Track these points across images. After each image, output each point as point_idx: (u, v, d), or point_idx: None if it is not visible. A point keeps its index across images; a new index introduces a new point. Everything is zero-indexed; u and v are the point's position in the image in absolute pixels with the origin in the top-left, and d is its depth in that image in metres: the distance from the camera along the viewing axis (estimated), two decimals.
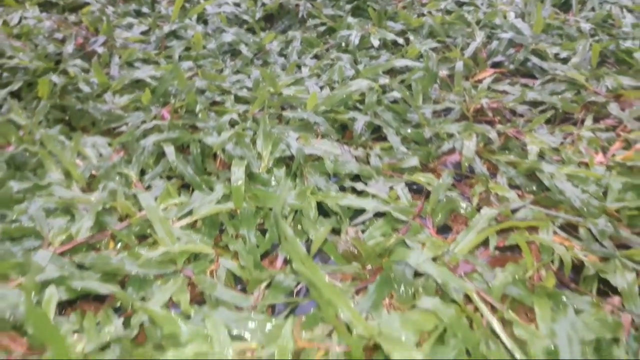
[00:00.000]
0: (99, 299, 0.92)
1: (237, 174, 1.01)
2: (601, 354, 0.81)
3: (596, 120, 1.37)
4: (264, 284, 0.91)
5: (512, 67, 1.65)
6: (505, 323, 0.83)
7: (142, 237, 1.01)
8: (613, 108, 1.38)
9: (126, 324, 0.85)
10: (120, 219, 1.03)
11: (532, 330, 0.81)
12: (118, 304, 0.90)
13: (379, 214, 1.03)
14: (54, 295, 0.85)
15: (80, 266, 0.92)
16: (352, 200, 1.03)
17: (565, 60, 1.64)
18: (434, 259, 0.90)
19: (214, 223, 1.03)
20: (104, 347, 0.81)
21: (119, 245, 1.00)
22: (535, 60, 1.62)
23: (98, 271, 0.91)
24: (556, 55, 1.65)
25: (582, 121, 1.37)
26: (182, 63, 1.59)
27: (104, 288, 0.88)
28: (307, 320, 0.83)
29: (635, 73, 1.58)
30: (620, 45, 1.66)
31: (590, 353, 0.80)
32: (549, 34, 1.80)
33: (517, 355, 0.78)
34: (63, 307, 0.91)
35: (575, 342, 0.78)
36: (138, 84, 1.48)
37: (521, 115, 1.38)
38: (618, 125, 1.35)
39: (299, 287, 0.92)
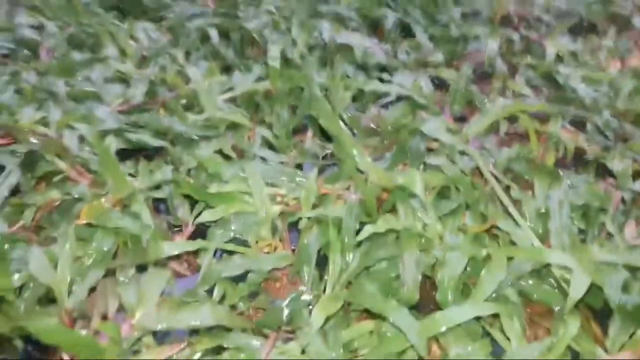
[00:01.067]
0: (150, 156, 1.05)
1: (274, 53, 1.11)
2: (589, 220, 0.92)
3: (619, 32, 1.42)
4: (294, 150, 1.04)
5: None
6: (505, 190, 0.94)
7: (188, 107, 1.13)
8: (637, 21, 1.42)
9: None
10: (170, 90, 1.16)
11: (527, 195, 0.92)
12: (168, 159, 1.03)
13: (400, 98, 1.13)
14: (112, 142, 0.99)
15: (135, 124, 1.05)
16: (377, 85, 1.13)
17: None
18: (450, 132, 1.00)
19: (251, 101, 1.15)
20: (157, 187, 0.95)
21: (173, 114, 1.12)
22: None
23: (150, 129, 1.04)
24: None
25: (605, 32, 1.42)
26: None
27: (156, 142, 1.01)
28: (330, 176, 0.96)
29: None
30: None
31: (578, 217, 0.92)
32: None
33: (513, 212, 0.89)
34: (120, 157, 1.05)
35: (565, 206, 0.89)
36: None
37: (547, 25, 1.44)
38: None
39: (325, 152, 1.04)
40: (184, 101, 1.12)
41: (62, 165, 0.94)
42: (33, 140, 0.95)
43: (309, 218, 0.88)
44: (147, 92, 1.12)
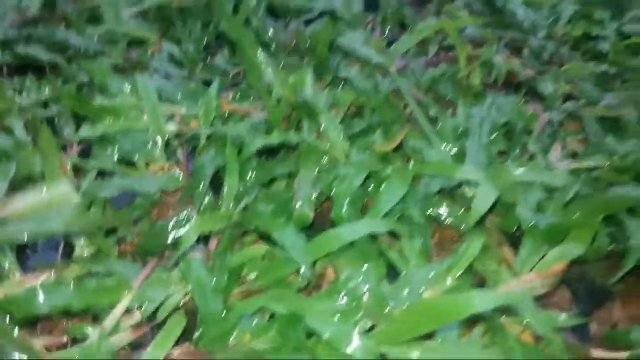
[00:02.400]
0: (44, 72, 0.95)
1: None
2: (512, 140, 0.85)
3: None
4: (200, 65, 0.95)
5: None
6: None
7: (91, 20, 1.03)
8: None
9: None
10: (73, 2, 1.05)
11: (447, 113, 0.85)
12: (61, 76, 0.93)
13: (325, 14, 1.04)
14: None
15: (28, 37, 0.95)
16: (300, 2, 1.04)
17: None
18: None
19: (164, 16, 1.05)
20: (44, 105, 0.86)
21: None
22: None
23: (44, 43, 0.94)
24: None
25: None
26: None
27: (47, 56, 0.92)
28: (238, 93, 0.87)
29: None
30: None
31: (500, 138, 0.85)
32: None
33: (430, 132, 0.82)
34: (9, 73, 0.95)
35: (486, 123, 0.82)
36: None
37: None
38: None
39: (236, 70, 0.96)
40: (86, 13, 1.02)
41: None
42: None
43: (208, 137, 0.80)
44: (46, 4, 1.02)
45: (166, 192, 0.77)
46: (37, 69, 0.93)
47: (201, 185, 0.74)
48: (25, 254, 0.70)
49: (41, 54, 0.91)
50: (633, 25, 1.11)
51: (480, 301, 0.57)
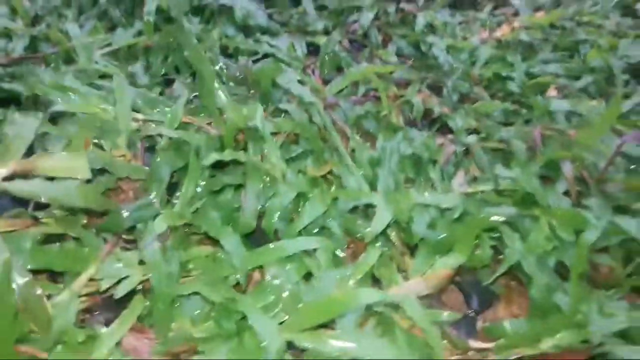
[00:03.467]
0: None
1: (149, 8, 1.18)
2: (419, 169, 1.02)
3: (497, 7, 1.53)
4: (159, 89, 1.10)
5: None
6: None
7: (68, 62, 1.18)
8: None
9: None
10: (52, 46, 1.21)
11: (362, 145, 1.01)
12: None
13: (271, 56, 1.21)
14: None
15: (12, 75, 1.10)
16: (249, 45, 1.20)
17: None
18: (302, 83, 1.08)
19: (132, 55, 1.21)
20: None
21: (51, 66, 1.18)
22: None
23: (26, 80, 1.09)
24: None
25: (484, 7, 1.53)
26: None
27: (27, 91, 1.07)
28: (192, 109, 1.03)
29: None
30: None
31: (409, 167, 1.01)
32: None
33: (349, 162, 0.98)
34: None
35: (395, 154, 0.99)
36: None
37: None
38: (516, 13, 1.51)
39: (191, 95, 1.10)
40: (64, 55, 1.18)
41: None
42: None
43: (170, 138, 0.94)
44: (30, 47, 1.17)
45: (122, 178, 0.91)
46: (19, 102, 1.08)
47: (160, 182, 0.88)
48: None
49: (23, 89, 1.06)
50: (541, 66, 1.29)
51: (366, 296, 0.74)
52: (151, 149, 0.96)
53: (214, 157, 0.89)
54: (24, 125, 0.85)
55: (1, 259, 0.65)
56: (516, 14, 1.49)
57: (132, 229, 0.83)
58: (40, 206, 0.80)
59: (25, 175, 0.76)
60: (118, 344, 0.70)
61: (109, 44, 1.20)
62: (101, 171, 0.87)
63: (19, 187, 0.74)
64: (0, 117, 1.03)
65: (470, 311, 0.88)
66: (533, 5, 1.51)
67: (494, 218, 0.87)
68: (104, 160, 0.86)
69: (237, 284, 0.80)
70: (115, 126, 0.93)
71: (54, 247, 0.76)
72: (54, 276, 0.78)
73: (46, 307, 0.67)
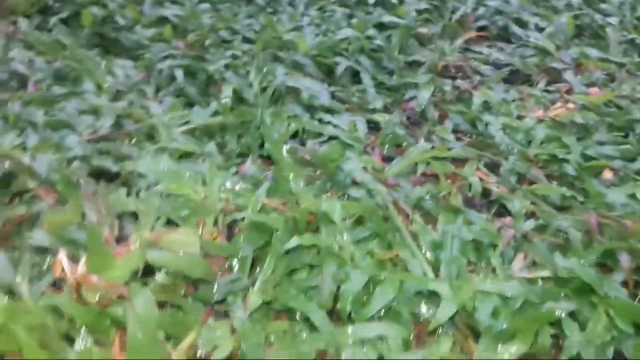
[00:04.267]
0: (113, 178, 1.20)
1: (226, 92, 1.28)
2: (480, 254, 1.06)
3: (550, 83, 1.58)
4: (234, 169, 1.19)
5: (495, 32, 1.84)
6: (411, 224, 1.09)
7: (149, 138, 1.29)
8: (568, 74, 1.57)
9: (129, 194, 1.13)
10: (135, 122, 1.32)
11: (424, 227, 1.06)
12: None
13: (335, 138, 1.28)
14: (79, 167, 1.14)
15: (101, 151, 1.21)
16: (314, 125, 1.29)
17: (543, 30, 1.83)
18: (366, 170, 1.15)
19: (207, 132, 1.31)
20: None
21: (134, 141, 1.28)
22: (515, 27, 1.81)
23: (113, 155, 1.20)
24: (536, 24, 1.84)
25: (538, 83, 1.57)
26: (201, 5, 1.85)
27: (115, 167, 1.17)
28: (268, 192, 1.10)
29: (605, 46, 1.76)
30: (597, 20, 1.83)
31: (471, 250, 1.06)
32: (538, 5, 1.97)
33: (412, 245, 1.03)
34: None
35: (456, 239, 1.04)
36: (163, 20, 1.75)
37: (482, 75, 1.59)
38: (570, 90, 1.55)
39: (264, 175, 1.18)
40: (145, 130, 1.28)
41: (32, 185, 1.10)
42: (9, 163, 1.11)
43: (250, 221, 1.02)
44: (115, 124, 1.28)
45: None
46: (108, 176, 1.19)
47: (247, 260, 0.98)
48: None
49: (111, 165, 1.17)
50: (596, 147, 1.33)
51: None
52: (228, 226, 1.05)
53: (295, 240, 0.97)
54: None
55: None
56: (569, 90, 1.53)
57: (222, 301, 0.92)
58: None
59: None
60: None
61: (187, 122, 1.30)
62: None
63: (155, 256, 0.90)
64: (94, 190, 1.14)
65: None
66: (587, 80, 1.55)
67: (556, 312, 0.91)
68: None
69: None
70: (205, 206, 1.02)
71: (164, 313, 0.87)
72: None
73: None
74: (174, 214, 1.02)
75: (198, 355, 0.86)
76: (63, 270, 0.91)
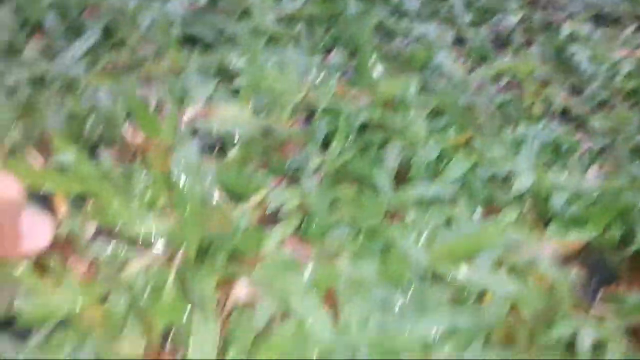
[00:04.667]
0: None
1: None
2: (558, 156, 1.07)
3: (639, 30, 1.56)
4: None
5: None
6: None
7: (244, 15, 1.32)
8: None
9: None
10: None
11: (506, 127, 1.08)
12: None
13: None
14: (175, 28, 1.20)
15: (197, 20, 1.26)
16: (403, 27, 1.31)
17: None
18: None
19: (296, 22, 1.35)
20: None
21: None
22: None
23: (208, 26, 1.25)
24: None
25: (626, 27, 1.56)
26: None
27: (208, 37, 1.22)
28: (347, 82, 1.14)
29: None
30: None
31: (549, 153, 1.07)
32: None
33: (490, 134, 1.05)
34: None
35: (537, 139, 1.06)
36: None
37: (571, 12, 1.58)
38: None
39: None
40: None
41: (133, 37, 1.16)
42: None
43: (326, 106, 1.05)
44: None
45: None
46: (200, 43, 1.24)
47: (318, 141, 1.00)
48: None
49: (205, 35, 1.22)
50: None
51: (508, 237, 0.80)
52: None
53: (364, 114, 1.00)
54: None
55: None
56: None
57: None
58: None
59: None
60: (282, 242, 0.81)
61: (278, 7, 1.34)
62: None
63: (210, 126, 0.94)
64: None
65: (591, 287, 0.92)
66: None
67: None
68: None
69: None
70: (283, 95, 1.05)
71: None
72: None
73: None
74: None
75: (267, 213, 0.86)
76: None
